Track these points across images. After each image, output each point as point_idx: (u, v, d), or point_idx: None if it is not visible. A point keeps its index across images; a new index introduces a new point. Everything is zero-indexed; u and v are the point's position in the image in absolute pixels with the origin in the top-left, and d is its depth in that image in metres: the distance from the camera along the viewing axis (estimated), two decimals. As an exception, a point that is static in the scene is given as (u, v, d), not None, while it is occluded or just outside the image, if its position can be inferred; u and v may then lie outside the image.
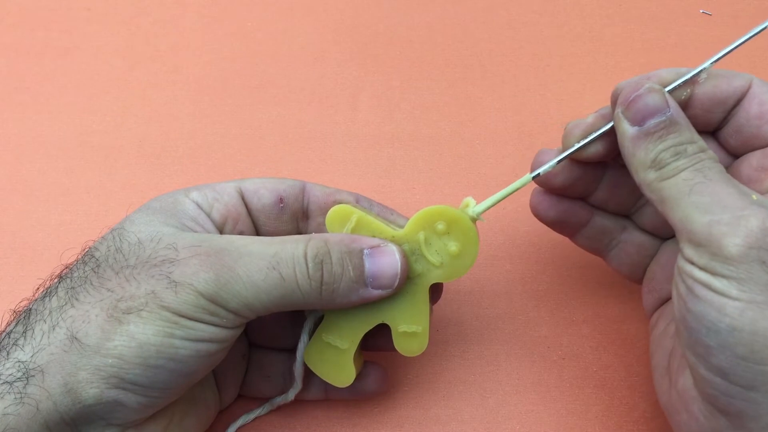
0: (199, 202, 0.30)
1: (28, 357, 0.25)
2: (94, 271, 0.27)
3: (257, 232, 0.31)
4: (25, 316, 0.27)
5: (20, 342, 0.26)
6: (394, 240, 0.30)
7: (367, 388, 0.33)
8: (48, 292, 0.27)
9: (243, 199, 0.31)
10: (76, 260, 0.29)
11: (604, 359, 0.36)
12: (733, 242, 0.23)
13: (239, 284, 0.27)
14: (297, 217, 0.32)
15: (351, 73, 0.45)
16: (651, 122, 0.26)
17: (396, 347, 0.31)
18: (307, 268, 0.27)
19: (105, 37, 0.47)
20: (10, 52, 0.46)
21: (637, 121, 0.27)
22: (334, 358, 0.31)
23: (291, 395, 0.32)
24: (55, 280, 0.28)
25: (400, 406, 0.35)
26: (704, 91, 0.28)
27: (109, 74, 0.45)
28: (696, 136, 0.26)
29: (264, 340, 0.34)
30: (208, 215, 0.30)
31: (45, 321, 0.26)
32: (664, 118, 0.26)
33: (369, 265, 0.28)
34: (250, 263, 0.27)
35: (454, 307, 0.37)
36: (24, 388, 0.25)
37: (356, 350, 0.31)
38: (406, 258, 0.29)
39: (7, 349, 0.26)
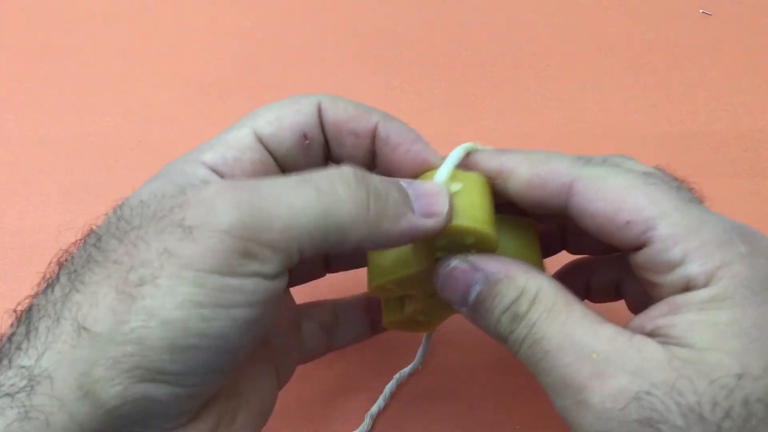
0: (215, 164, 0.25)
1: (32, 361, 0.21)
2: (96, 246, 0.22)
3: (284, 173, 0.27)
4: (27, 315, 0.22)
5: (23, 345, 0.21)
6: None
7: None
8: (50, 284, 0.23)
9: (265, 147, 0.26)
10: (78, 244, 0.24)
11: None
12: None
13: (268, 203, 0.21)
14: (323, 145, 0.27)
15: (351, 73, 0.45)
16: None
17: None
18: (348, 182, 0.22)
19: (105, 37, 0.47)
20: (10, 52, 0.46)
21: None
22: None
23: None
24: (57, 268, 0.23)
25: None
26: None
27: (109, 74, 0.45)
28: None
29: (301, 278, 0.31)
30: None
31: (49, 316, 0.21)
32: None
33: (412, 191, 0.24)
34: (275, 183, 0.22)
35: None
36: (29, 398, 0.20)
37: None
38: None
39: (9, 355, 0.21)
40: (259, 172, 0.25)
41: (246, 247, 0.21)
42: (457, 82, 0.45)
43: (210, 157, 0.25)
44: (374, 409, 0.33)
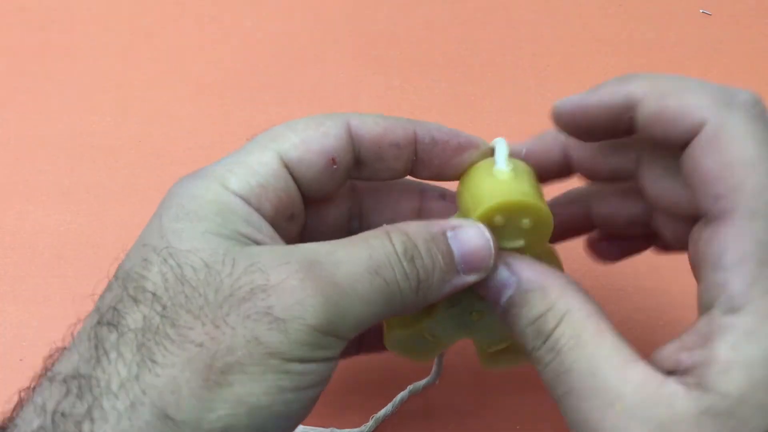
0: (244, 196, 0.24)
1: None
2: (164, 317, 0.21)
3: (304, 199, 0.26)
4: (81, 387, 0.21)
5: (86, 427, 0.20)
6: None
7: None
8: (103, 350, 0.21)
9: (290, 172, 0.25)
10: (112, 291, 0.22)
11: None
12: None
13: (347, 302, 0.22)
14: (350, 167, 0.26)
15: (351, 73, 0.45)
16: None
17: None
18: (403, 267, 0.23)
19: (105, 37, 0.47)
20: (10, 52, 0.46)
21: None
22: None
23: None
24: (105, 330, 0.21)
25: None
26: None
27: (109, 74, 0.45)
28: None
29: None
30: (258, 210, 0.24)
31: (117, 396, 0.20)
32: None
33: (457, 248, 0.24)
34: (350, 272, 0.22)
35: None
36: None
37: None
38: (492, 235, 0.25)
39: None
40: (282, 203, 0.24)
41: (326, 341, 0.22)
42: (457, 82, 0.45)
43: (236, 186, 0.24)
44: (381, 413, 0.33)
